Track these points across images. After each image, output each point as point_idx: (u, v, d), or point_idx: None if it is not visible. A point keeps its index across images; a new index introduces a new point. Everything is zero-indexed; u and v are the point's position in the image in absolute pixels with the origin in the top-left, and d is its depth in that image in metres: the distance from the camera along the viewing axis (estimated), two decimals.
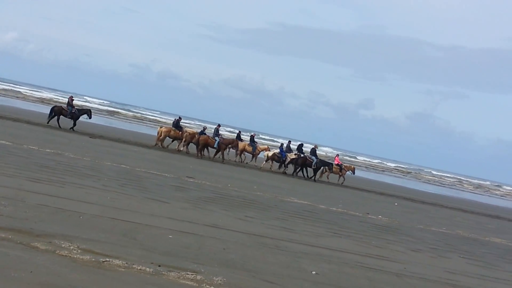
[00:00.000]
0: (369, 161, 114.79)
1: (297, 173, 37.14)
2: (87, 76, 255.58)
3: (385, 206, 29.33)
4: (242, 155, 38.98)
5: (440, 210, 35.11)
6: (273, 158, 38.46)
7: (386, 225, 21.06)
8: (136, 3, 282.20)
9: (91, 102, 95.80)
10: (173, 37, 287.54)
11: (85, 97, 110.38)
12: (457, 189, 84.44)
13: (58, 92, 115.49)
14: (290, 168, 38.15)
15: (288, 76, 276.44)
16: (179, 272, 8.96)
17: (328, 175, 39.21)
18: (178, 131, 36.07)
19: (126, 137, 38.52)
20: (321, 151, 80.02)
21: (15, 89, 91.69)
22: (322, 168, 38.41)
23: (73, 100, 37.28)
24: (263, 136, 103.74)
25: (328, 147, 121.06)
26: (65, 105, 36.79)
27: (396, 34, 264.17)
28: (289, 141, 41.17)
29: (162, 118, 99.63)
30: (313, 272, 10.94)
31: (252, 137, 40.61)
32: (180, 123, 37.00)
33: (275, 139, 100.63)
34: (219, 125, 38.12)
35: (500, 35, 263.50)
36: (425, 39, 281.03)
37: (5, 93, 79.58)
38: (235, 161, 37.73)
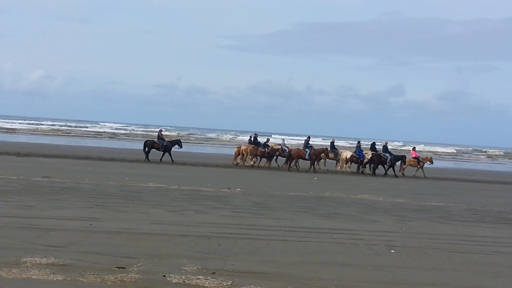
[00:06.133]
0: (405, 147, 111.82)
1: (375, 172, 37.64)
2: (114, 103, 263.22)
3: (291, 182, 28.79)
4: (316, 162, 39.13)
5: (375, 180, 34.28)
6: (351, 159, 38.71)
7: (215, 195, 20.68)
8: (152, 24, 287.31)
9: (112, 128, 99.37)
10: (195, 52, 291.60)
11: (103, 123, 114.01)
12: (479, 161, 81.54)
13: (86, 122, 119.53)
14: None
15: (314, 74, 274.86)
16: None
17: (404, 168, 38.89)
18: (258, 148, 37.98)
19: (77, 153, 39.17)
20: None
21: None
22: (396, 162, 38.26)
23: (163, 133, 39.88)
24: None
25: (364, 138, 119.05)
26: (156, 139, 38.53)
27: (416, 16, 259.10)
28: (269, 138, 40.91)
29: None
30: None
31: (332, 143, 41.51)
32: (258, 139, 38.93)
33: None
34: (309, 137, 39.21)
35: None
36: (446, 17, 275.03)
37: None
38: (319, 168, 38.01)
